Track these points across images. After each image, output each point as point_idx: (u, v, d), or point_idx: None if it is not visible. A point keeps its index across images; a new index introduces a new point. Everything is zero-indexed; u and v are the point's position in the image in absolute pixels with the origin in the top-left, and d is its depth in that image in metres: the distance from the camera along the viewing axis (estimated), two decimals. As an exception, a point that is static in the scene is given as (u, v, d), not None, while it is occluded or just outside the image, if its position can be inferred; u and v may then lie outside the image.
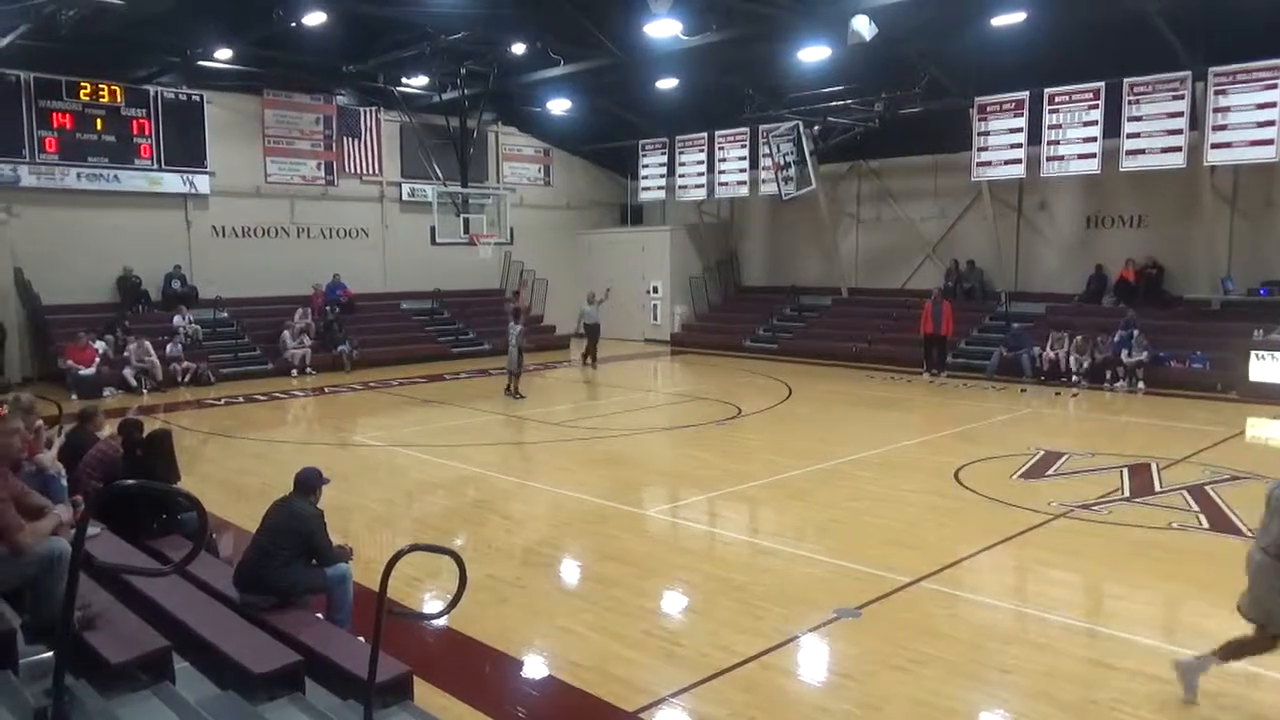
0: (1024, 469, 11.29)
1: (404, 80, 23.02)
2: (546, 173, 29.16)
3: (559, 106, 24.96)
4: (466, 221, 22.61)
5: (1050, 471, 11.21)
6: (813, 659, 6.25)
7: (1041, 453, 12.09)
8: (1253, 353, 16.84)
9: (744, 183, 25.32)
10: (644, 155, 27.59)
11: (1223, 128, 17.50)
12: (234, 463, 12.36)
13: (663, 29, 16.87)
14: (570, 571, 8.24)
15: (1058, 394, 17.77)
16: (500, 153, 27.84)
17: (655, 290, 28.05)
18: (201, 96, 21.50)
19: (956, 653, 6.10)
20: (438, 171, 23.50)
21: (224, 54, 19.82)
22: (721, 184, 25.89)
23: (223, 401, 17.24)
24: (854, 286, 25.41)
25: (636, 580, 7.59)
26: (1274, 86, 16.85)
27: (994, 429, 14.31)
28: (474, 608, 6.44)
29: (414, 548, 4.41)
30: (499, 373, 20.53)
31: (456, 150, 22.97)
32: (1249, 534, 8.58)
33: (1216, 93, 17.47)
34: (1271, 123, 16.88)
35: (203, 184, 21.71)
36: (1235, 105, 17.35)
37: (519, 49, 19.84)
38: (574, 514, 9.71)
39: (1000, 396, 17.47)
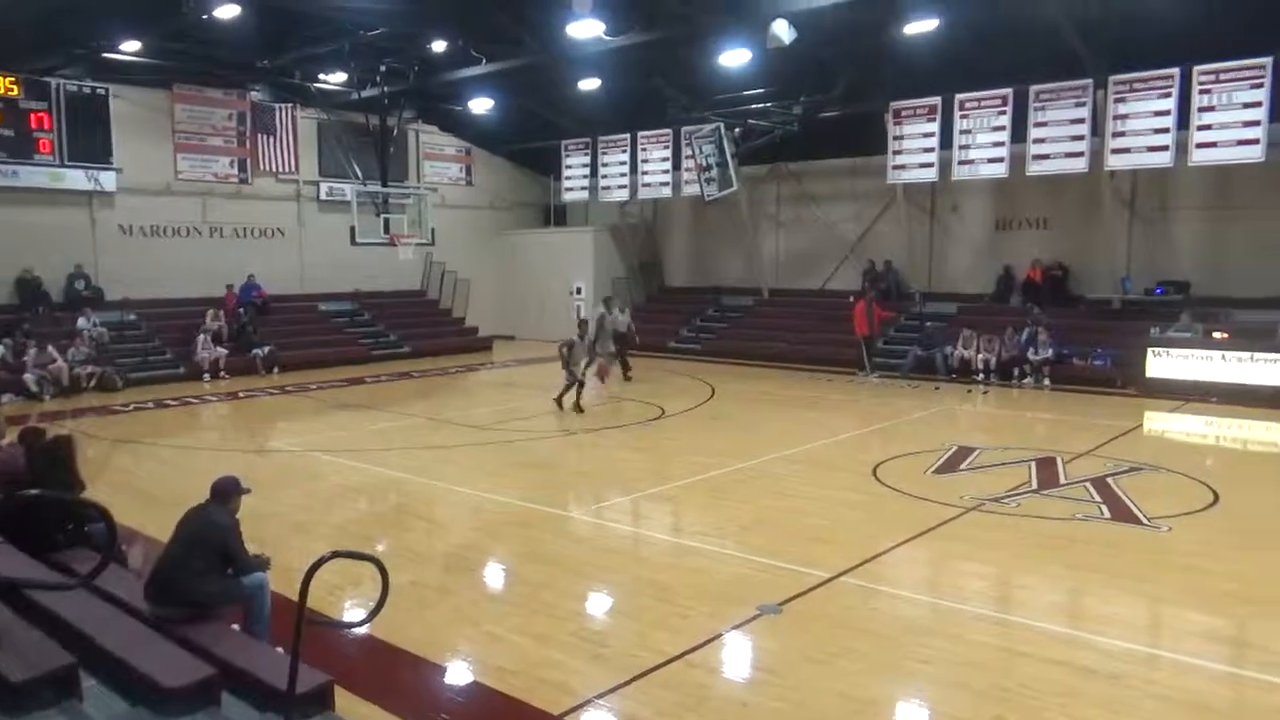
0: (938, 464, 11.63)
1: (321, 76, 22.55)
2: (468, 172, 28.87)
3: (481, 105, 24.75)
4: (387, 221, 22.28)
5: (963, 466, 11.58)
6: (737, 656, 6.34)
7: (955, 448, 12.47)
8: (1150, 350, 17.65)
9: (667, 184, 25.50)
10: (567, 155, 27.54)
11: (1122, 134, 18.29)
12: (144, 470, 11.95)
13: (585, 29, 16.87)
14: (495, 576, 8.20)
15: (969, 391, 18.37)
16: (421, 152, 27.46)
17: (579, 291, 28.03)
18: (107, 90, 20.65)
19: (876, 645, 6.27)
20: (357, 170, 23.09)
21: (131, 46, 19.11)
22: (644, 185, 26.01)
23: (131, 407, 16.62)
24: (775, 287, 25.81)
25: (562, 583, 7.60)
26: (1169, 95, 17.69)
27: (910, 426, 14.70)
28: (397, 615, 6.36)
29: (335, 554, 4.34)
30: (420, 375, 20.30)
31: (376, 149, 22.61)
32: (1147, 523, 9.04)
33: (1116, 100, 18.26)
34: (1167, 130, 17.73)
35: (109, 181, 20.86)
36: (1134, 113, 18.15)
37: (440, 47, 19.63)
38: (498, 518, 9.66)
39: (916, 394, 17.95)
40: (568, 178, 27.72)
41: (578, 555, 8.46)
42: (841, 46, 19.52)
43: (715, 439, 13.74)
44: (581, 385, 15.78)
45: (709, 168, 23.46)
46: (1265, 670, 5.84)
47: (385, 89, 22.02)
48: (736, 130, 23.18)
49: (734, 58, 19.02)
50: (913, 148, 21.14)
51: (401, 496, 10.63)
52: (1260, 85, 16.69)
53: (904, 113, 21.14)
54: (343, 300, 24.93)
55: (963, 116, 20.21)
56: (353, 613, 6.79)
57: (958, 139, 20.30)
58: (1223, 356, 16.90)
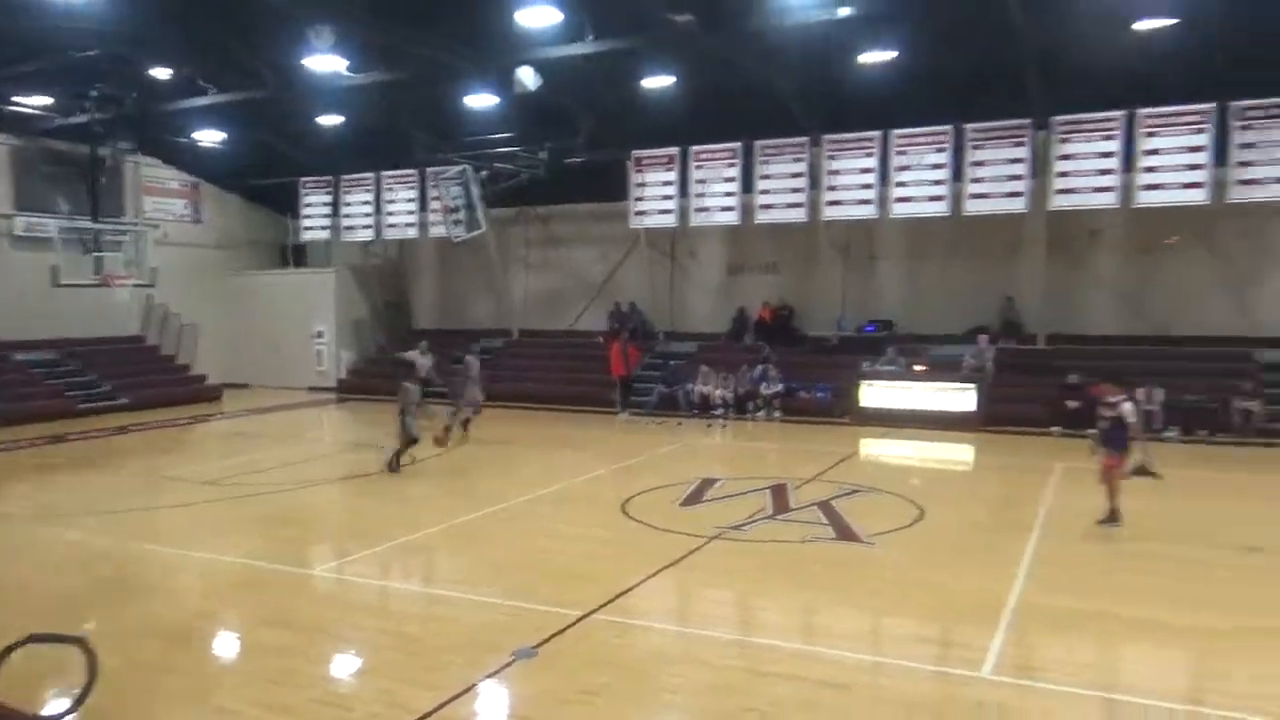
0: (684, 497, 12.15)
1: (16, 99, 20.18)
2: (196, 209, 26.86)
3: (210, 138, 23.18)
4: (99, 261, 20.21)
5: (706, 497, 12.17)
6: (491, 705, 6.26)
7: (699, 480, 13.08)
8: (862, 382, 19.50)
9: (413, 224, 25.07)
10: (306, 193, 26.37)
11: (834, 188, 20.20)
12: None
13: (325, 64, 16.36)
14: (228, 645, 7.58)
15: (709, 425, 19.39)
16: (140, 185, 25.20)
17: (320, 335, 26.76)
18: None
19: (627, 679, 6.42)
20: (62, 204, 20.78)
21: None
22: (390, 225, 25.42)
23: None
24: (525, 328, 25.99)
25: (303, 646, 7.16)
26: (872, 154, 19.77)
27: (657, 461, 15.26)
28: (111, 700, 5.70)
29: (31, 639, 3.84)
30: (140, 429, 18.55)
31: (86, 181, 20.50)
32: (866, 540, 9.92)
33: (829, 157, 20.16)
34: (872, 185, 19.79)
35: None
36: (844, 169, 20.10)
37: (163, 73, 18.22)
38: (230, 581, 8.95)
39: (661, 430, 18.66)
40: (307, 216, 26.51)
41: (320, 615, 8.00)
42: (585, 95, 20.20)
43: (467, 483, 13.55)
44: (414, 441, 14.06)
45: (456, 209, 23.33)
46: (969, 667, 6.55)
47: (97, 115, 20.08)
48: (484, 172, 23.25)
49: (481, 101, 19.15)
50: (654, 194, 22.17)
51: (116, 565, 9.57)
52: (944, 150, 19.07)
53: (645, 161, 22.15)
54: (45, 349, 22.18)
55: (697, 167, 21.49)
56: (55, 704, 6.01)
57: (694, 188, 21.56)
58: (922, 386, 18.99)
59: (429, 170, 23.82)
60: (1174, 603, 7.88)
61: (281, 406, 22.95)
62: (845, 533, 10.27)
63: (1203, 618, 7.45)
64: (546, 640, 7.04)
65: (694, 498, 12.15)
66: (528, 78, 16.92)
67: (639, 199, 22.29)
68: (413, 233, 25.32)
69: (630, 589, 8.34)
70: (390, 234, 25.74)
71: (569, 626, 7.35)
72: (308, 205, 26.43)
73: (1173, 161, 17.45)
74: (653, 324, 24.11)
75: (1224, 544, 9.77)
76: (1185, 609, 7.68)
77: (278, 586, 8.69)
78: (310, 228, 26.56)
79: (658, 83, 18.60)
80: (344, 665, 7.01)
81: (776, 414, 19.92)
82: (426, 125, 22.62)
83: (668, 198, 22.00)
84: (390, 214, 25.31)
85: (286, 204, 27.48)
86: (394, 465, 13.93)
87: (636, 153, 22.11)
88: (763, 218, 21.06)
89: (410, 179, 24.78)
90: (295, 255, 28.59)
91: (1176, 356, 18.70)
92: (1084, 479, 10.76)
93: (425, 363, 18.16)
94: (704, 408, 20.42)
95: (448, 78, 18.31)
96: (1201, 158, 17.22)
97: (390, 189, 25.19)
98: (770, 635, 7.39)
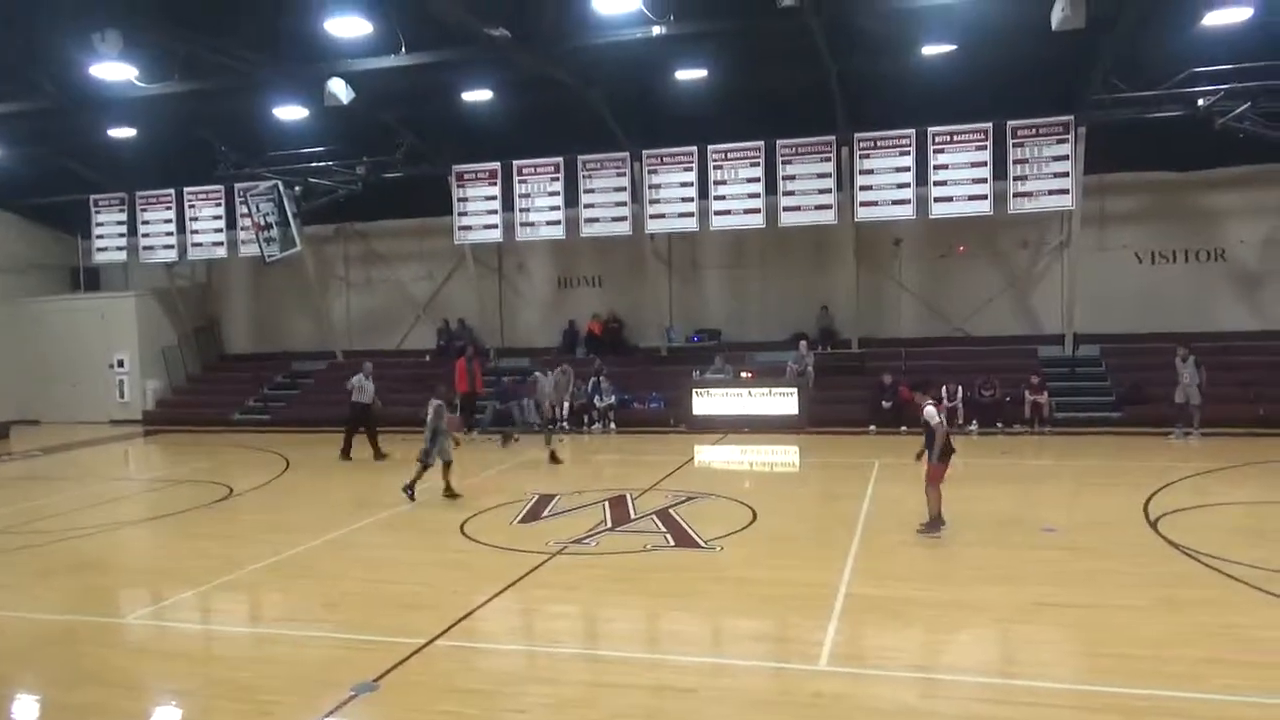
0: (522, 514, 12.07)
1: None
2: (-36, 230, 24.37)
3: (-21, 153, 21.13)
4: None
5: (545, 513, 12.14)
6: (333, 744, 6.00)
7: (536, 496, 13.03)
8: (694, 391, 20.03)
9: (221, 243, 23.78)
10: (98, 212, 24.49)
11: (657, 201, 20.70)
12: None
13: (114, 72, 15.28)
14: (28, 710, 6.89)
15: (546, 442, 19.30)
16: (-105, 205, 22.63)
17: (121, 364, 24.86)
18: None
19: (473, 704, 6.31)
20: None
21: None
22: (195, 245, 24.01)
23: None
24: (348, 349, 25.08)
25: (117, 703, 6.61)
26: (690, 169, 20.40)
27: (494, 479, 15.09)
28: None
29: None
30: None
31: None
32: (704, 545, 10.20)
33: (650, 171, 20.64)
34: (692, 199, 20.40)
35: None
36: (664, 183, 20.65)
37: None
38: (29, 638, 8.14)
39: (496, 447, 18.46)
40: (100, 236, 24.63)
41: (135, 668, 7.41)
42: (403, 109, 19.78)
43: (294, 514, 12.94)
44: (448, 465, 13.13)
45: (269, 227, 22.27)
46: (806, 660, 6.84)
47: None
48: (297, 188, 22.32)
49: (290, 113, 18.40)
50: (477, 210, 21.99)
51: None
52: (757, 164, 19.92)
53: (466, 176, 21.93)
54: None
55: (521, 181, 21.47)
56: None
57: (519, 202, 21.52)
58: (749, 392, 19.71)
59: (237, 186, 22.65)
60: (982, 583, 8.54)
61: (81, 443, 21.12)
62: (684, 539, 10.51)
63: (1008, 596, 8.10)
64: (387, 672, 6.82)
65: (533, 514, 12.09)
66: (339, 90, 16.40)
67: (463, 214, 22.04)
68: (221, 252, 23.99)
69: (472, 612, 8.20)
70: (196, 254, 24.29)
71: (410, 656, 7.15)
72: (100, 225, 24.56)
73: (960, 176, 18.97)
74: (482, 340, 23.84)
75: (1024, 527, 10.68)
76: (991, 590, 8.33)
77: (85, 640, 7.97)
78: (104, 249, 24.69)
79: (477, 97, 18.47)
80: (166, 719, 6.53)
81: (612, 426, 20.14)
82: (232, 138, 21.48)
83: (492, 213, 21.89)
84: (196, 233, 23.90)
85: (76, 224, 25.41)
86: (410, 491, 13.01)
87: (458, 167, 21.86)
88: (588, 231, 21.30)
89: (216, 195, 23.49)
90: (88, 278, 26.44)
91: (973, 355, 20.32)
92: (900, 472, 11.47)
93: (369, 387, 17.39)
94: (541, 422, 20.33)
95: (252, 88, 17.49)
96: (984, 172, 18.80)
97: (194, 206, 23.78)
98: (615, 646, 7.46)
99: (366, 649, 7.36)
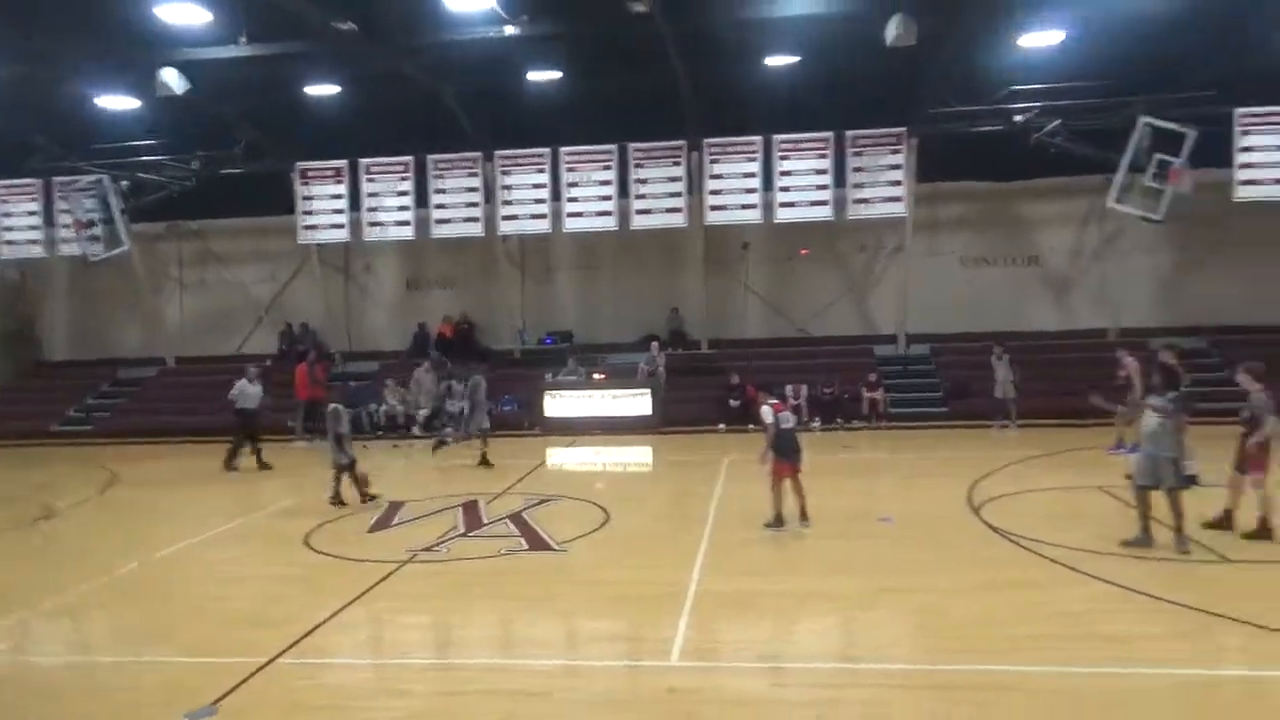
0: (372, 523, 11.76)
1: None
2: None
3: None
4: None
5: (396, 521, 11.87)
6: (167, 773, 5.70)
7: (387, 504, 12.72)
8: (546, 393, 20.01)
9: (38, 241, 22.07)
10: (-113, 206, 22.21)
11: (510, 202, 20.57)
12: None
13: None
14: None
15: (395, 446, 18.90)
16: None
17: (-83, 372, 22.63)
18: None
19: (322, 721, 6.14)
20: None
21: None
22: (7, 243, 22.20)
23: None
24: (182, 355, 23.72)
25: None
26: (544, 170, 20.38)
27: (342, 488, 14.57)
28: None
29: None
30: None
31: None
32: (557, 547, 10.23)
33: (502, 172, 20.49)
34: (544, 200, 20.38)
35: None
36: (517, 184, 20.54)
37: None
38: None
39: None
40: (-110, 233, 22.33)
41: (-60, 705, 6.81)
42: (244, 101, 18.90)
43: (121, 531, 12.17)
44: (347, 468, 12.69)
45: (92, 224, 20.77)
46: (658, 657, 6.98)
47: None
48: (124, 183, 20.93)
49: (116, 103, 17.29)
50: (323, 208, 21.25)
51: None
52: (610, 167, 20.10)
53: (311, 174, 21.16)
54: None
55: (369, 180, 20.90)
56: None
57: (366, 201, 20.93)
58: (601, 394, 19.85)
59: (56, 180, 21.05)
60: (826, 574, 8.94)
61: None
62: (537, 542, 10.51)
63: (851, 584, 8.51)
64: (226, 695, 6.52)
65: (383, 522, 11.80)
66: (172, 80, 15.53)
67: (308, 213, 21.25)
68: (38, 251, 22.26)
69: (319, 626, 7.94)
70: (8, 253, 22.42)
71: (251, 676, 6.85)
72: (-109, 220, 22.28)
73: (803, 182, 19.75)
74: (328, 344, 23.03)
75: (863, 518, 11.23)
76: (835, 579, 8.73)
77: (-124, 679, 7.25)
78: (-104, 247, 22.42)
79: (323, 91, 17.87)
80: (-25, 760, 6.04)
81: (462, 430, 19.82)
82: (49, 129, 19.95)
83: (339, 212, 21.20)
84: (7, 230, 22.05)
85: None
86: (365, 498, 12.68)
87: (302, 165, 21.07)
88: (439, 232, 20.94)
89: (31, 190, 21.78)
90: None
91: (815, 355, 21.18)
92: (749, 469, 11.80)
93: (254, 391, 16.36)
94: (391, 428, 19.87)
95: (73, 76, 16.32)
96: (825, 179, 19.65)
97: (5, 201, 21.95)
98: (469, 653, 7.41)
99: (204, 671, 7.01)
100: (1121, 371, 14.45)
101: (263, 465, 16.29)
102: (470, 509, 12.29)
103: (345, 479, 12.75)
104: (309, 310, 23.33)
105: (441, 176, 20.74)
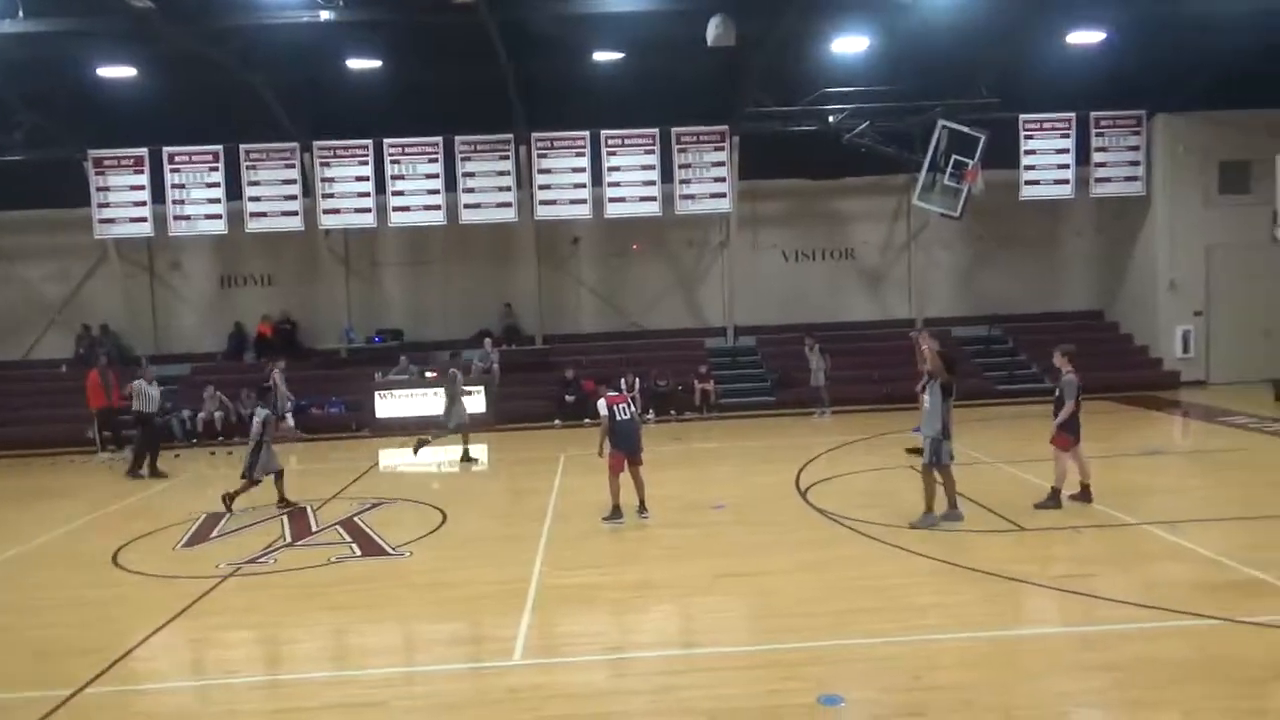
0: (187, 537, 11.04)
1: None
2: None
3: None
4: None
5: (214, 534, 11.18)
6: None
7: (204, 516, 11.97)
8: (377, 393, 19.39)
9: None
10: None
11: (331, 195, 19.77)
12: None
13: None
14: None
15: (212, 454, 17.82)
16: None
17: None
18: None
19: (139, 753, 5.72)
20: None
21: None
22: None
23: None
24: (-43, 361, 21.45)
25: None
26: (366, 163, 19.71)
27: (150, 501, 13.66)
28: None
29: None
30: None
31: None
32: (393, 552, 9.96)
33: (322, 164, 19.66)
34: (369, 194, 19.73)
35: None
36: (339, 177, 19.77)
37: None
38: None
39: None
40: None
41: None
42: (25, 83, 17.25)
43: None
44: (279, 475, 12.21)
45: None
46: (500, 657, 6.92)
47: None
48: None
49: None
50: (121, 201, 19.75)
51: None
52: (436, 160, 19.68)
53: (107, 163, 19.59)
54: None
55: (174, 170, 19.56)
56: None
57: (171, 193, 19.58)
58: (435, 392, 19.36)
59: None
60: (664, 564, 9.12)
61: None
62: (371, 548, 10.18)
63: (688, 572, 8.73)
64: (25, 732, 5.98)
65: (199, 536, 11.09)
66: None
67: (104, 205, 19.67)
68: None
69: (131, 650, 7.38)
70: None
71: (55, 710, 6.30)
72: None
73: (631, 178, 20.04)
74: (130, 347, 21.38)
75: (698, 507, 11.53)
76: (673, 568, 8.93)
77: None
78: None
79: (118, 74, 16.57)
80: None
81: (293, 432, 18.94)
82: None
83: (140, 204, 19.75)
84: None
85: None
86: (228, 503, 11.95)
87: (95, 153, 19.48)
88: (254, 226, 19.88)
89: None
90: None
91: (648, 348, 21.54)
92: (586, 463, 11.91)
93: (154, 394, 15.03)
94: (208, 435, 18.69)
95: None
96: (653, 175, 20.00)
97: None
98: (298, 668, 7.10)
99: (2, 708, 6.39)
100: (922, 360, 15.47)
101: (156, 473, 15.20)
102: (298, 516, 11.75)
103: (279, 482, 12.26)
104: (109, 310, 21.60)
105: (255, 167, 19.68)
